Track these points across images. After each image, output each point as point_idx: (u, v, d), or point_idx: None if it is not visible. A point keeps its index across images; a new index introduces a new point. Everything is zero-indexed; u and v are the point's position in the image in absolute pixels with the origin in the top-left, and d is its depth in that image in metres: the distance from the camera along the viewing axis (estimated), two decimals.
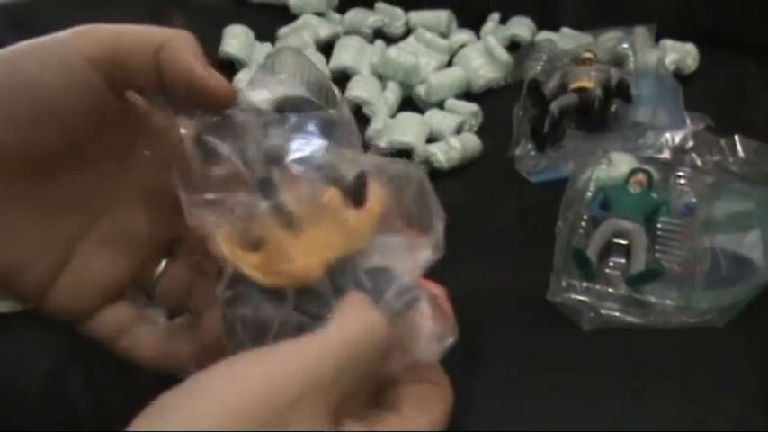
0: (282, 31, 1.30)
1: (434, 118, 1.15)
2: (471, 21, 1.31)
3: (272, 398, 0.48)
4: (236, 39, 1.26)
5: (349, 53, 1.25)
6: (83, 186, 0.58)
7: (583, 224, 0.95)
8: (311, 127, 0.61)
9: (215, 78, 0.56)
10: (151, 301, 0.64)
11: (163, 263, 0.63)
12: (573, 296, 0.90)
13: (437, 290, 0.69)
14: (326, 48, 1.28)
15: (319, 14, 1.35)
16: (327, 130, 0.61)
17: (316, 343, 0.51)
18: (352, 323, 0.53)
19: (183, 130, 0.58)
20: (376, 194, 0.59)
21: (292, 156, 0.59)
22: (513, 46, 1.28)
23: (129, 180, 0.61)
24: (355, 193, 0.58)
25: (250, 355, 0.51)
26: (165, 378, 0.86)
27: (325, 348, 0.51)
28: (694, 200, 0.97)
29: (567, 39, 1.26)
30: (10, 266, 0.58)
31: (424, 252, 0.62)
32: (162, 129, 0.60)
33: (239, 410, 0.47)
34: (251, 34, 1.28)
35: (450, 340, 0.58)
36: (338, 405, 0.51)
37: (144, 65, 0.56)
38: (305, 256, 0.55)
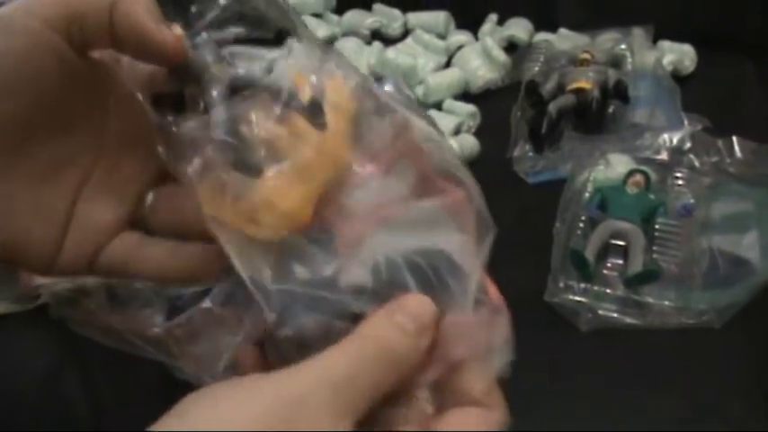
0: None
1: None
2: (469, 22, 1.31)
3: (295, 406, 0.48)
4: None
5: (347, 54, 1.25)
6: (67, 146, 0.58)
7: (581, 225, 0.95)
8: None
9: (163, 33, 0.56)
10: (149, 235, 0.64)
11: (150, 195, 0.63)
12: (571, 297, 0.90)
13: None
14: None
15: (317, 16, 1.36)
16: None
17: (343, 349, 0.51)
18: (382, 326, 0.52)
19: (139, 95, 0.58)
20: (337, 109, 0.56)
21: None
22: (511, 47, 1.28)
23: (110, 130, 0.61)
24: (312, 115, 0.55)
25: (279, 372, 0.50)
26: (162, 377, 0.87)
27: (351, 353, 0.50)
28: (692, 201, 0.97)
29: (564, 40, 1.26)
30: (14, 237, 0.58)
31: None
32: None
33: (261, 418, 0.47)
34: None
35: (511, 357, 0.55)
36: (364, 412, 0.50)
37: (99, 22, 0.56)
38: (287, 193, 0.54)
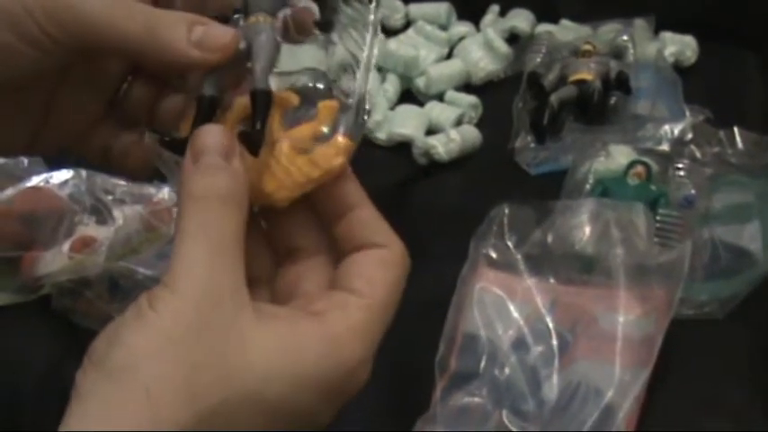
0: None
1: (434, 110, 1.15)
2: (471, 13, 1.31)
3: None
4: None
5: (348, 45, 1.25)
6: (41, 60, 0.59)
7: None
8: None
9: (209, 55, 0.57)
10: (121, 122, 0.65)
11: (125, 84, 0.63)
12: None
13: None
14: None
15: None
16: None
17: (183, 257, 0.51)
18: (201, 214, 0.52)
19: None
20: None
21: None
22: (513, 38, 1.28)
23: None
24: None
25: None
26: None
27: (193, 259, 0.51)
28: (693, 192, 0.97)
29: (566, 31, 1.26)
30: None
31: None
32: None
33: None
34: None
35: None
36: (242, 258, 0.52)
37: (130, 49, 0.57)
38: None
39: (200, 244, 0.50)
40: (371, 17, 0.62)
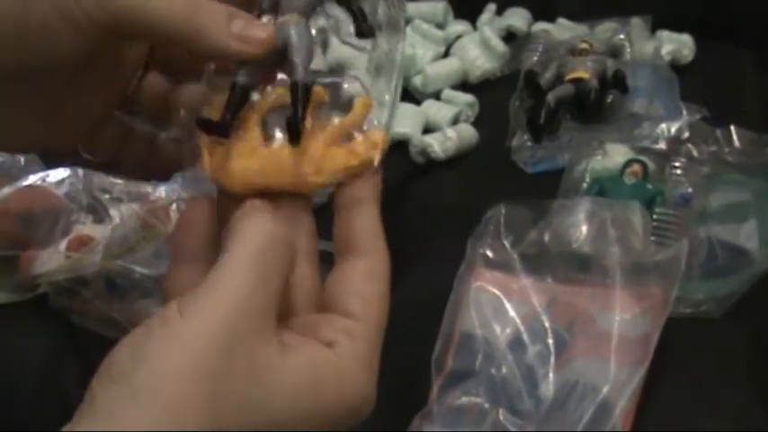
0: None
1: (431, 109, 1.15)
2: (467, 11, 1.31)
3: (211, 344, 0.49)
4: None
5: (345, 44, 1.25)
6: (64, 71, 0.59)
7: None
8: None
9: (248, 43, 0.57)
10: (133, 116, 0.65)
11: (137, 76, 0.64)
12: None
13: None
14: None
15: None
16: None
17: (226, 271, 0.52)
18: (253, 240, 0.53)
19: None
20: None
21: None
22: (510, 37, 1.28)
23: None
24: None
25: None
26: None
27: (234, 274, 0.51)
28: (690, 190, 0.97)
29: (563, 29, 1.26)
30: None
31: None
32: None
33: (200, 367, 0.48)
34: None
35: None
36: (277, 322, 0.52)
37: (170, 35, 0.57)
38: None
39: (246, 266, 0.51)
40: (401, 19, 0.64)
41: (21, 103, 0.59)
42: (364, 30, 0.62)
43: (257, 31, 0.56)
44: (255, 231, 0.53)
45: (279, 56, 0.57)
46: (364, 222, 0.58)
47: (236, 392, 0.48)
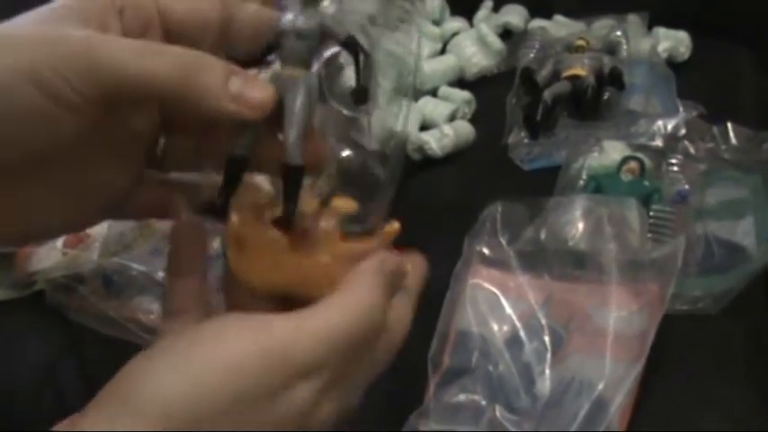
0: None
1: (427, 105, 1.15)
2: (464, 8, 1.31)
3: (265, 373, 0.49)
4: None
5: None
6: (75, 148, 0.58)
7: None
8: None
9: (247, 106, 0.56)
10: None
11: (162, 139, 0.62)
12: None
13: None
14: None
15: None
16: None
17: (316, 324, 0.52)
18: (354, 306, 0.53)
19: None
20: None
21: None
22: (506, 34, 1.28)
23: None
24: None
25: (245, 324, 0.51)
26: None
27: (325, 332, 0.51)
28: (687, 187, 0.97)
29: (559, 26, 1.26)
30: (26, 228, 0.60)
31: None
32: None
33: (233, 379, 0.48)
34: None
35: None
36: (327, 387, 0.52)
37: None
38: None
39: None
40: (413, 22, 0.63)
41: (41, 189, 0.57)
42: (359, 93, 0.59)
43: (255, 92, 0.53)
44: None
45: (276, 116, 0.55)
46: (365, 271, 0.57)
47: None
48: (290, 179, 0.55)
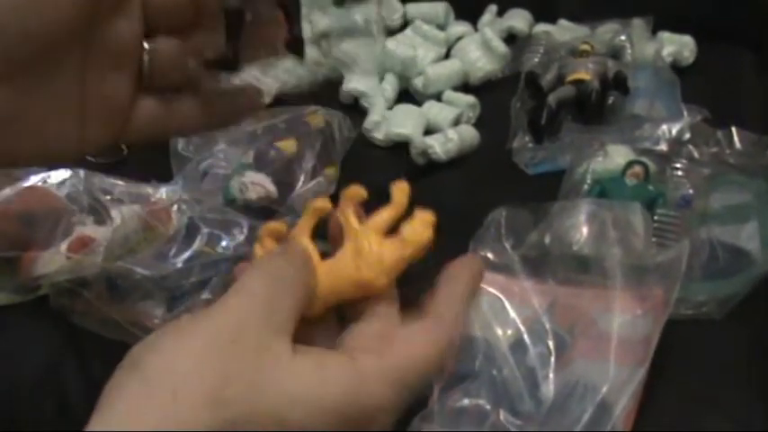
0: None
1: (432, 110, 1.15)
2: (469, 13, 1.31)
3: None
4: None
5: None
6: (63, 42, 0.60)
7: None
8: None
9: None
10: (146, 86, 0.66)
11: (146, 53, 0.64)
12: None
13: None
14: (326, 39, 1.28)
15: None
16: None
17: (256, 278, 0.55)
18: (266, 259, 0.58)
19: None
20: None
21: None
22: (511, 38, 1.28)
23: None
24: None
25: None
26: None
27: (245, 286, 0.55)
28: (691, 191, 0.97)
29: (564, 31, 1.26)
30: (37, 142, 0.61)
31: None
32: None
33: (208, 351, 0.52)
34: None
35: None
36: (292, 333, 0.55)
37: None
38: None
39: (262, 278, 0.55)
40: None
41: (48, 98, 0.59)
42: (294, 42, 0.61)
43: None
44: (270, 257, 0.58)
45: None
46: (446, 293, 0.61)
47: (243, 378, 0.50)
48: (289, 7, 0.59)
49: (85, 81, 0.61)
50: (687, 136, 1.05)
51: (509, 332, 0.85)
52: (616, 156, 1.01)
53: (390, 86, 1.19)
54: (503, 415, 0.80)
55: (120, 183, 0.98)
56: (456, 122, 1.15)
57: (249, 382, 0.50)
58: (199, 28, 0.64)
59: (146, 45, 0.64)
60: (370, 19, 1.21)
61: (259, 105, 0.71)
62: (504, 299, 0.87)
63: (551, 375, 0.82)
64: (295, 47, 0.57)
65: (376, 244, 0.58)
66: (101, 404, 0.50)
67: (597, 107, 1.09)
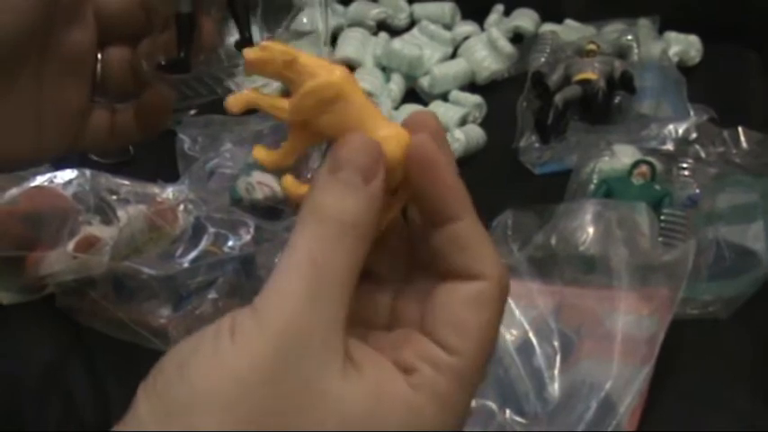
0: (285, 23, 1.30)
1: (438, 109, 1.15)
2: (475, 13, 1.31)
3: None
4: None
5: (353, 45, 1.25)
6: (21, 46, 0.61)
7: None
8: None
9: None
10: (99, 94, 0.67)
11: (99, 62, 0.65)
12: None
13: None
14: (331, 39, 1.28)
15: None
16: None
17: (280, 281, 0.45)
18: (333, 194, 0.46)
19: None
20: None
21: None
22: (517, 38, 1.28)
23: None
24: None
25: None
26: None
27: (288, 287, 0.44)
28: (697, 191, 0.97)
29: (570, 31, 1.26)
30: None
31: None
32: None
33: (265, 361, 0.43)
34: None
35: None
36: (351, 330, 0.46)
37: None
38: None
39: (303, 277, 0.44)
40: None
41: (3, 105, 0.60)
42: (244, 44, 0.62)
43: None
44: (315, 224, 0.46)
45: None
46: (465, 241, 0.49)
47: (284, 417, 0.43)
48: (238, 9, 0.59)
49: (42, 88, 0.62)
50: (694, 135, 1.05)
51: (516, 333, 0.85)
52: (622, 155, 1.01)
53: (397, 86, 1.19)
54: (509, 415, 0.80)
55: (126, 182, 0.98)
56: (462, 122, 1.15)
57: (291, 422, 0.43)
58: (150, 33, 0.65)
59: (99, 54, 0.65)
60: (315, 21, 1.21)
61: (167, 117, 0.71)
62: (510, 301, 0.87)
63: (557, 375, 0.82)
64: (245, 48, 0.57)
65: None
66: (127, 423, 0.46)
67: (604, 107, 1.09)
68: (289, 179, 0.50)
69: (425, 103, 1.17)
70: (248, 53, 0.47)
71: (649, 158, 1.00)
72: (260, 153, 0.51)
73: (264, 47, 0.47)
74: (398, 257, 0.51)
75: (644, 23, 1.23)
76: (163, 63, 0.62)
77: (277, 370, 0.43)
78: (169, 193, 0.98)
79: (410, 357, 0.46)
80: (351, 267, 0.45)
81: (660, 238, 0.92)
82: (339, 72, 0.47)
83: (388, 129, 0.48)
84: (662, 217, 0.94)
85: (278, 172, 1.00)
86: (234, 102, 0.48)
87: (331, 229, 0.45)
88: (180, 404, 0.43)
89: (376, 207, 0.46)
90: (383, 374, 0.46)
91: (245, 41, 0.58)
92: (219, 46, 0.64)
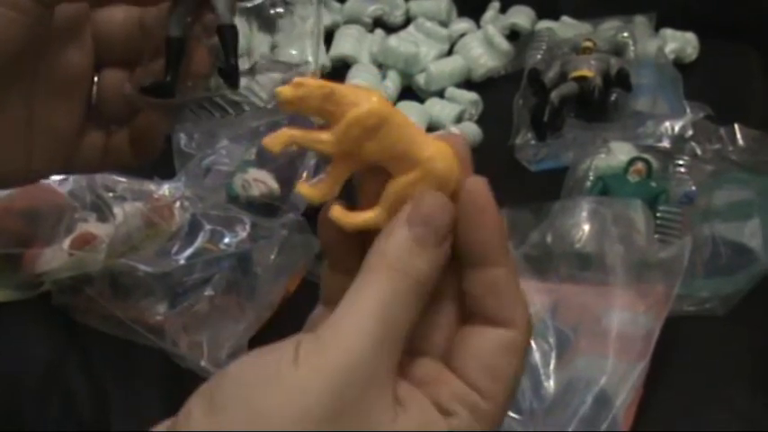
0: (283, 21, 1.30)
1: (434, 107, 1.15)
2: (471, 10, 1.31)
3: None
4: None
5: (349, 42, 1.25)
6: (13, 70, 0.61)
7: None
8: None
9: None
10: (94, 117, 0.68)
11: (94, 85, 0.66)
12: None
13: None
14: (327, 36, 1.28)
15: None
16: None
17: (349, 320, 0.46)
18: (405, 249, 0.47)
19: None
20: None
21: None
22: (514, 35, 1.28)
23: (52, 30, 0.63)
24: None
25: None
26: (164, 365, 0.87)
27: (358, 328, 0.45)
28: (694, 188, 0.97)
29: (566, 28, 1.26)
30: None
31: None
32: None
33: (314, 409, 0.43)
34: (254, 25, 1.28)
35: None
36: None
37: None
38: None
39: (373, 323, 0.45)
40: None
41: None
42: (229, 72, 0.62)
43: None
44: (389, 275, 0.47)
45: None
46: (501, 288, 0.50)
47: None
48: (227, 37, 0.59)
49: (33, 109, 0.62)
50: (690, 133, 1.05)
51: None
52: (619, 152, 1.01)
53: (393, 83, 1.19)
54: None
55: (122, 180, 0.98)
56: (458, 119, 1.15)
57: None
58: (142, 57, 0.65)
59: (95, 77, 0.65)
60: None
61: (160, 142, 0.71)
62: None
63: (553, 372, 0.82)
64: (229, 76, 0.57)
65: None
66: None
67: (600, 104, 1.09)
68: (338, 209, 0.51)
69: (421, 101, 1.17)
70: (284, 92, 0.47)
71: (645, 156, 1.00)
72: (305, 189, 0.51)
73: (299, 83, 0.47)
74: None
75: (640, 21, 1.23)
76: (146, 86, 0.62)
77: (337, 407, 0.43)
78: (165, 190, 0.98)
79: (447, 399, 0.47)
80: (412, 321, 0.47)
81: (656, 236, 0.92)
82: (377, 97, 0.49)
83: (431, 147, 0.50)
84: (658, 214, 0.94)
85: (276, 171, 1.00)
86: (272, 141, 0.48)
87: (403, 285, 0.46)
88: (239, 422, 0.43)
89: (442, 266, 0.48)
90: (426, 416, 0.47)
91: (231, 69, 0.58)
92: (210, 75, 0.64)
